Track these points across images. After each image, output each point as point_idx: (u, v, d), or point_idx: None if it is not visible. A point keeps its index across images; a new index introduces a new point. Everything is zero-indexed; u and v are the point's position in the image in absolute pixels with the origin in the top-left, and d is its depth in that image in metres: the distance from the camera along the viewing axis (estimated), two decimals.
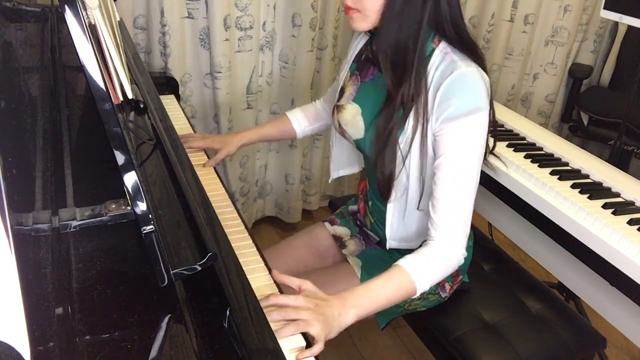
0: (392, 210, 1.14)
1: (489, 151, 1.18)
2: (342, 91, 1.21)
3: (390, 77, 1.04)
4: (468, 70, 0.99)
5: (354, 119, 1.16)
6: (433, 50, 1.03)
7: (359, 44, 1.22)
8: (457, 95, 0.98)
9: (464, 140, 1.00)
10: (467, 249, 1.25)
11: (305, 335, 0.86)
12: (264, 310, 0.81)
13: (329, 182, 1.40)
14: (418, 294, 1.01)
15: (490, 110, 1.04)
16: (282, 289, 0.96)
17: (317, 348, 0.85)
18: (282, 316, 0.87)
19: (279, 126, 1.43)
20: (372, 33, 1.10)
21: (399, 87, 1.03)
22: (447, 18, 1.01)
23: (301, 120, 1.42)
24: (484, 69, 1.03)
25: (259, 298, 0.82)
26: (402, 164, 1.07)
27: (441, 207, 1.02)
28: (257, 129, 1.45)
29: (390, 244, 1.18)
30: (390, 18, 0.99)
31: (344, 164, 1.35)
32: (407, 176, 1.08)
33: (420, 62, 1.01)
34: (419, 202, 1.11)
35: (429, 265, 1.01)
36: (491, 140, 1.15)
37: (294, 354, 0.82)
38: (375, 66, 1.15)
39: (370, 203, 1.29)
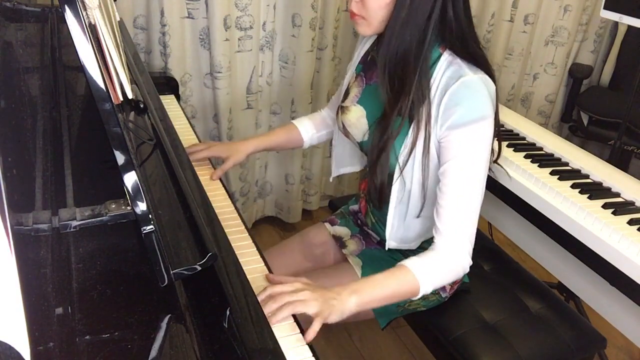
0: (392, 213, 1.14)
1: (495, 158, 1.18)
2: (347, 92, 1.21)
3: (387, 91, 1.04)
4: (474, 77, 0.99)
5: (358, 121, 1.16)
6: (440, 55, 1.02)
7: (365, 45, 1.22)
8: (461, 103, 0.98)
9: (469, 148, 0.99)
10: None
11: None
12: (262, 304, 0.81)
13: (330, 180, 1.39)
14: (420, 295, 1.01)
15: (496, 118, 1.03)
16: None
17: (317, 325, 0.85)
18: (278, 303, 0.86)
19: (287, 134, 1.38)
20: (379, 36, 1.11)
21: (395, 102, 1.02)
22: (453, 32, 1.00)
23: (309, 128, 1.39)
24: (492, 78, 1.03)
25: (256, 292, 0.82)
26: (400, 173, 1.07)
27: (446, 215, 1.01)
28: (264, 136, 1.40)
29: (390, 244, 1.18)
30: (393, 29, 0.99)
31: (345, 163, 1.35)
32: (410, 183, 1.08)
33: (423, 74, 1.00)
34: (420, 211, 1.11)
35: (434, 268, 1.01)
36: (496, 145, 1.13)
37: (294, 350, 0.82)
38: None
39: (371, 203, 1.29)
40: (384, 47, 1.02)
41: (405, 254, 1.21)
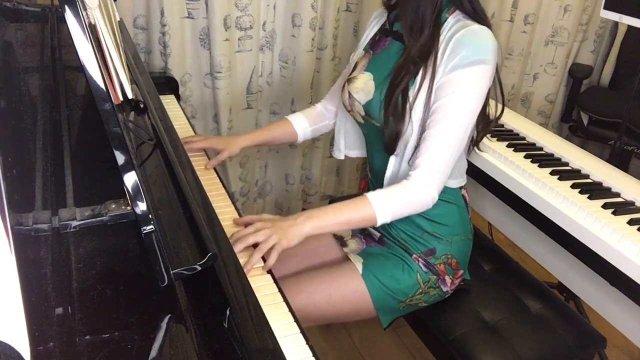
0: (393, 161, 1.19)
1: (476, 142, 1.25)
2: (354, 67, 1.27)
3: (408, 34, 1.12)
4: (479, 27, 1.07)
5: (365, 84, 1.21)
6: (447, 19, 1.11)
7: (372, 30, 1.30)
8: (464, 47, 1.05)
9: (464, 88, 1.06)
10: (466, 243, 1.26)
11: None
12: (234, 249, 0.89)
13: (342, 157, 1.42)
14: (379, 223, 1.08)
15: (496, 74, 1.11)
16: (283, 290, 0.96)
17: (274, 256, 0.99)
18: (243, 244, 1.00)
19: (280, 128, 1.43)
20: (390, 10, 1.23)
21: (416, 42, 1.11)
22: None
23: (302, 122, 1.43)
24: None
25: (256, 293, 0.81)
26: (410, 117, 1.12)
27: (424, 148, 1.08)
28: (258, 131, 1.45)
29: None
30: None
31: (351, 145, 1.41)
32: (411, 130, 1.12)
33: (437, 25, 1.10)
34: (412, 154, 1.15)
35: (394, 198, 1.08)
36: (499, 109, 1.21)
37: (294, 350, 0.82)
38: (388, 36, 1.22)
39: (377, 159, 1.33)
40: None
41: (406, 248, 1.22)
